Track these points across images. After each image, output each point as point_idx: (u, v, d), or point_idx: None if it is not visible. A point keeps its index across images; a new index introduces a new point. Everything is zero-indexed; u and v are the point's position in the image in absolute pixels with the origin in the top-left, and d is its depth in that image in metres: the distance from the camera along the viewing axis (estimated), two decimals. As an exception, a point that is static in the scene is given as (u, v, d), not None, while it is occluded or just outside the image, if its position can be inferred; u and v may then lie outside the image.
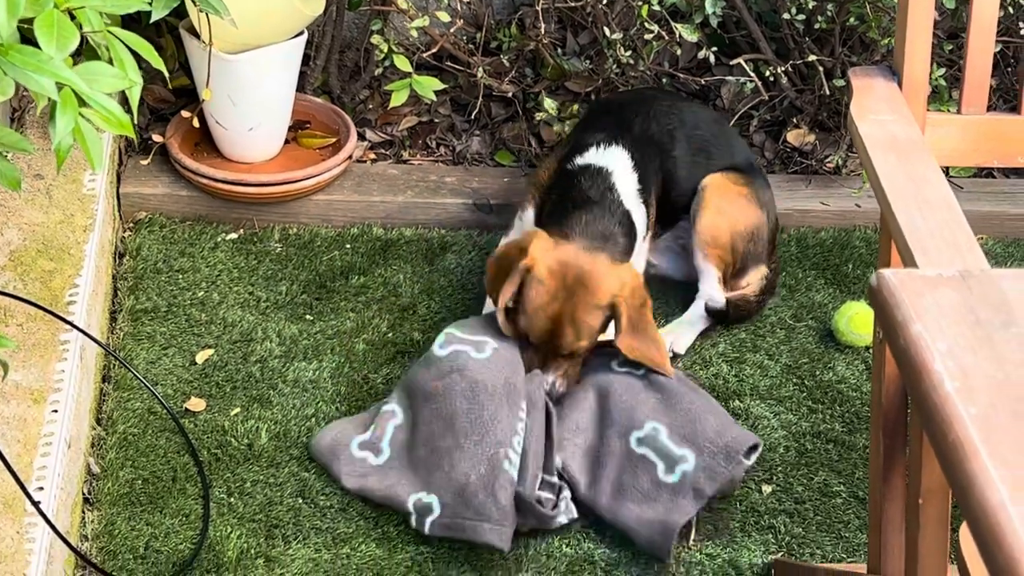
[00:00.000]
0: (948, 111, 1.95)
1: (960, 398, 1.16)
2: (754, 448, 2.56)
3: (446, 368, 2.53)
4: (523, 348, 2.60)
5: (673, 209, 2.95)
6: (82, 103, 1.82)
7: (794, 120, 3.41)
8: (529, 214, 2.85)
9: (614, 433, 2.55)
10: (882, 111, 1.81)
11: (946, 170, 3.39)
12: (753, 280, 2.97)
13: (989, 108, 1.91)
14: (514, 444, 2.43)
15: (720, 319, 2.95)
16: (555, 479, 2.49)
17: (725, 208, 2.90)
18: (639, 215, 2.75)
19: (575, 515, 2.48)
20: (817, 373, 2.88)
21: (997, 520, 1.06)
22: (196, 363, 2.80)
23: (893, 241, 1.66)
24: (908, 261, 1.56)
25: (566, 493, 2.49)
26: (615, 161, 2.77)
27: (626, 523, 2.44)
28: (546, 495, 2.45)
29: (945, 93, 3.16)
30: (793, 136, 3.40)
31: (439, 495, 2.43)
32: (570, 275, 2.55)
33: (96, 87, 1.84)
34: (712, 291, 2.94)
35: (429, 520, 2.41)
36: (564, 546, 2.47)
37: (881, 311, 1.28)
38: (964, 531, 1.59)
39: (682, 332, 2.91)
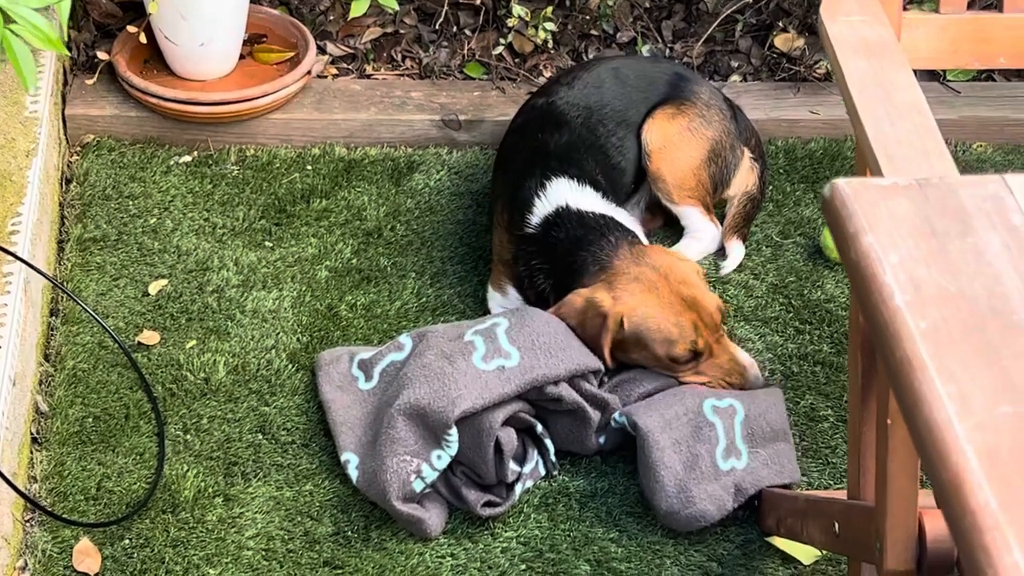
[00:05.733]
0: (926, 10, 1.95)
1: (910, 312, 1.19)
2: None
3: (456, 348, 2.49)
4: (680, 369, 2.57)
5: (638, 177, 2.99)
6: (9, 20, 1.82)
7: (781, 23, 3.40)
8: (511, 292, 2.78)
9: (688, 391, 2.53)
10: (853, 11, 1.82)
11: (942, 73, 3.41)
12: (740, 179, 3.02)
13: (969, 6, 1.91)
14: (433, 460, 2.38)
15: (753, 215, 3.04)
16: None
17: (674, 152, 2.94)
18: (623, 216, 2.75)
19: (541, 474, 2.51)
20: (805, 292, 2.90)
21: (943, 438, 1.09)
22: (149, 294, 2.82)
23: (862, 148, 1.67)
24: (874, 169, 1.58)
25: (525, 482, 2.49)
26: (564, 192, 2.72)
27: (657, 468, 2.41)
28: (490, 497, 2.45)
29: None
30: (781, 41, 3.39)
31: (361, 459, 2.47)
32: (660, 280, 2.54)
33: (21, 1, 1.85)
34: (700, 225, 2.97)
35: (353, 474, 2.46)
36: (539, 479, 2.50)
37: (834, 223, 1.30)
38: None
39: (683, 249, 2.95)
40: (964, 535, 1.03)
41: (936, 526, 1.70)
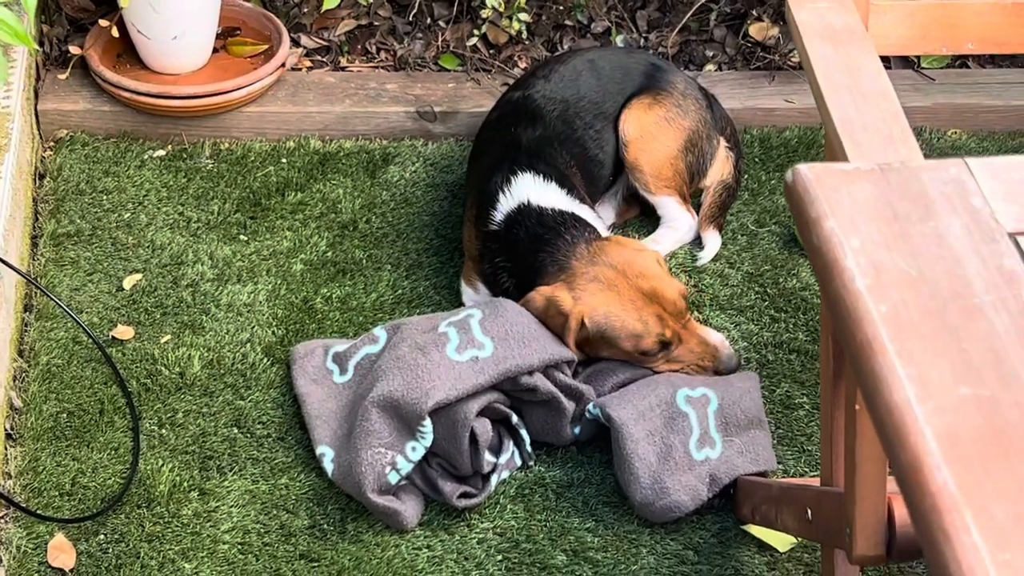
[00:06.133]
0: (894, -3, 1.96)
1: (871, 295, 1.19)
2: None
3: (430, 340, 2.49)
4: (651, 360, 2.58)
5: (616, 168, 2.99)
6: (-26, 14, 1.82)
7: (755, 12, 3.40)
8: (482, 288, 2.78)
9: (661, 381, 2.54)
10: (820, -2, 1.82)
11: (916, 60, 3.42)
12: (716, 169, 3.03)
13: (936, -8, 1.92)
14: (407, 451, 2.39)
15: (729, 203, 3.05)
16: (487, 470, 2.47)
17: (651, 142, 2.95)
18: (584, 212, 2.74)
19: (517, 465, 2.52)
20: (780, 280, 2.91)
21: (902, 420, 1.10)
22: (123, 289, 2.82)
23: (828, 135, 1.68)
24: (840, 155, 1.58)
25: (500, 473, 2.50)
26: (527, 188, 2.72)
27: (631, 460, 2.42)
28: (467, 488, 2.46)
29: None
30: (755, 30, 3.40)
31: (336, 452, 2.47)
32: (618, 277, 2.54)
33: (-14, -4, 1.84)
34: (676, 214, 2.97)
35: (328, 468, 2.46)
36: (515, 470, 2.51)
37: (796, 208, 1.30)
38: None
39: (659, 239, 2.96)
40: (923, 516, 1.04)
41: (905, 511, 1.71)
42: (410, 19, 3.43)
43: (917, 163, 1.33)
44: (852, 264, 1.22)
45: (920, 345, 1.15)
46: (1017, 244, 1.25)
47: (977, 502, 1.03)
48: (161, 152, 3.16)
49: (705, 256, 2.96)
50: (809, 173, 1.31)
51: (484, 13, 3.32)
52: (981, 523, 1.02)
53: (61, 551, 2.33)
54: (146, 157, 3.14)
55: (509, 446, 2.51)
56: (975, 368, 1.14)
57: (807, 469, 2.54)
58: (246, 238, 2.95)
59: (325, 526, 2.40)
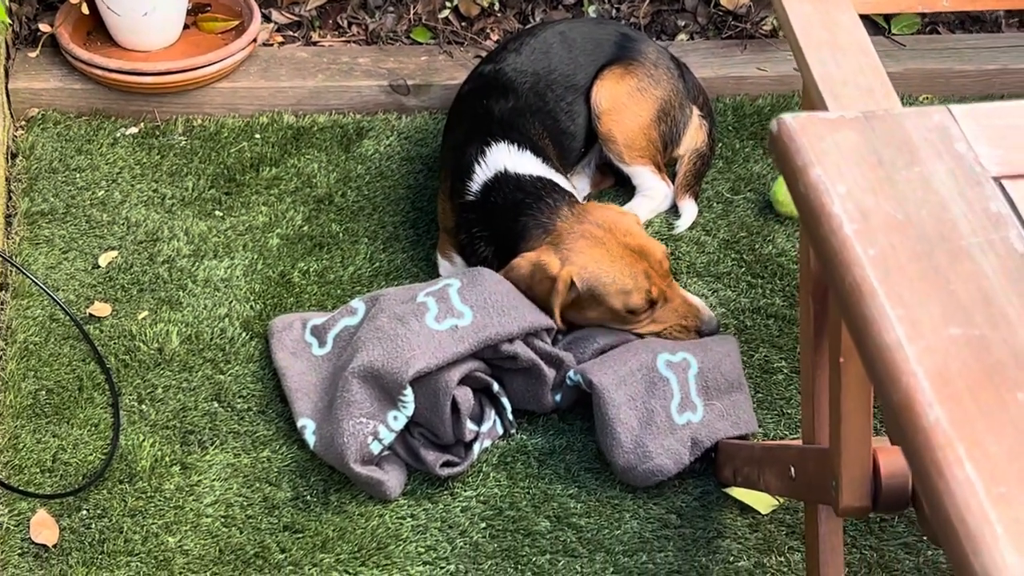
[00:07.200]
0: (869, -45, 1.96)
1: (859, 240, 1.20)
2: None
3: (409, 310, 2.48)
4: (637, 320, 2.59)
5: (589, 139, 3.00)
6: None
7: (727, -19, 3.42)
8: (458, 260, 2.78)
9: (641, 347, 2.54)
10: (797, -43, 1.82)
11: (887, 27, 3.43)
12: (689, 138, 3.04)
13: (911, -50, 1.93)
14: (389, 421, 2.39)
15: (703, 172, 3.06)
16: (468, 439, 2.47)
17: (623, 112, 2.96)
18: (560, 180, 2.74)
19: (499, 433, 2.53)
20: (756, 247, 2.92)
21: (893, 359, 1.10)
22: (99, 266, 2.80)
23: (808, 91, 1.69)
24: (821, 110, 1.59)
25: (482, 442, 2.50)
26: (503, 157, 2.72)
27: (612, 425, 2.42)
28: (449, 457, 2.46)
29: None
30: (726, -2, 3.41)
31: (317, 424, 2.47)
32: (606, 235, 2.55)
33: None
34: (651, 183, 2.98)
35: (310, 440, 2.47)
36: (497, 438, 2.51)
37: (782, 157, 1.31)
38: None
39: (635, 208, 2.97)
40: (916, 453, 1.05)
41: (890, 462, 1.73)
42: (381, -7, 3.43)
43: (900, 110, 1.34)
44: (839, 210, 1.23)
45: (909, 287, 1.16)
46: (1002, 187, 1.26)
47: (970, 437, 1.04)
48: (134, 129, 3.14)
49: (682, 224, 2.96)
50: (794, 122, 1.32)
51: (456, -15, 3.33)
52: (975, 458, 1.03)
53: (44, 527, 2.32)
54: (119, 135, 3.13)
55: (490, 414, 2.51)
56: (964, 308, 1.15)
57: (787, 432, 2.56)
58: (221, 214, 2.94)
59: (308, 497, 2.40)
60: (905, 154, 1.29)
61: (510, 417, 2.51)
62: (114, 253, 2.83)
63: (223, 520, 2.35)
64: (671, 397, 2.46)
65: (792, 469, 2.01)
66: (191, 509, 2.37)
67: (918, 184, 1.26)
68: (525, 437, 2.53)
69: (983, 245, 1.20)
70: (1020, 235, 1.21)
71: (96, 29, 3.23)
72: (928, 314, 1.14)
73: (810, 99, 1.70)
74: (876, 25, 3.45)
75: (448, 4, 3.35)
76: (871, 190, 1.25)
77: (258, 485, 2.41)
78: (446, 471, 2.42)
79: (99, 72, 3.10)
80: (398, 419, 2.39)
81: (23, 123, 3.15)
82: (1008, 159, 1.29)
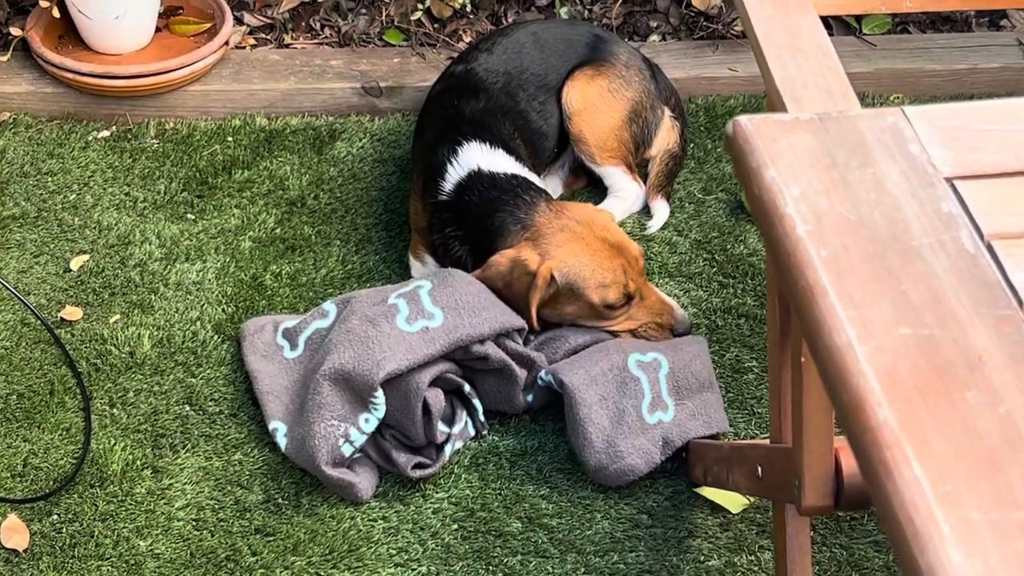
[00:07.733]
0: (832, -43, 1.97)
1: (812, 241, 1.21)
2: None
3: (380, 312, 2.48)
4: (613, 316, 2.60)
5: (561, 140, 3.01)
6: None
7: (698, -18, 3.43)
8: (430, 261, 2.79)
9: (612, 347, 2.55)
10: (759, -41, 1.83)
11: (857, 27, 3.45)
12: (661, 138, 3.05)
13: (874, -49, 1.94)
14: (360, 423, 2.40)
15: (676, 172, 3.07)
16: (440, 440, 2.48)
17: (595, 113, 2.97)
18: (534, 179, 2.75)
19: (470, 434, 2.53)
20: (728, 247, 2.93)
21: (844, 360, 1.11)
22: (71, 270, 2.80)
23: (770, 94, 1.70)
24: (781, 112, 1.60)
25: (454, 444, 2.51)
26: (475, 156, 2.72)
27: (584, 425, 2.43)
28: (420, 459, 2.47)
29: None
30: (698, -1, 3.42)
31: (289, 427, 2.47)
32: (584, 230, 2.57)
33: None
34: (623, 184, 2.99)
35: (282, 442, 2.47)
36: (468, 439, 2.52)
37: (737, 159, 1.32)
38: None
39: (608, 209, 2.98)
40: (865, 452, 1.06)
41: (852, 461, 1.73)
42: (354, -5, 3.43)
43: (855, 112, 1.35)
44: (793, 211, 1.23)
45: (860, 288, 1.17)
46: (954, 188, 1.27)
47: (918, 436, 1.05)
48: (105, 133, 3.14)
49: (654, 225, 2.97)
50: (749, 124, 1.32)
51: (427, -13, 3.33)
52: (922, 456, 1.04)
53: (15, 532, 2.32)
54: (90, 138, 3.13)
55: (462, 416, 2.52)
56: (914, 308, 1.16)
57: (757, 431, 2.57)
58: (193, 217, 2.94)
59: (280, 500, 2.40)
60: (859, 155, 1.30)
61: (481, 418, 2.52)
62: (86, 257, 2.83)
63: (194, 523, 2.36)
64: (642, 397, 2.47)
65: (759, 468, 2.02)
66: (162, 513, 2.37)
67: (871, 185, 1.27)
68: (497, 438, 2.53)
69: (934, 245, 1.21)
70: (971, 235, 1.23)
71: (68, 33, 3.23)
72: (879, 314, 1.15)
73: (772, 102, 1.71)
74: (847, 25, 3.46)
75: (420, 6, 3.36)
76: (825, 192, 1.26)
77: (229, 488, 2.41)
78: (418, 473, 2.43)
79: (71, 76, 3.10)
80: (369, 421, 2.40)
81: (-6, 127, 3.15)
82: (960, 160, 1.30)
